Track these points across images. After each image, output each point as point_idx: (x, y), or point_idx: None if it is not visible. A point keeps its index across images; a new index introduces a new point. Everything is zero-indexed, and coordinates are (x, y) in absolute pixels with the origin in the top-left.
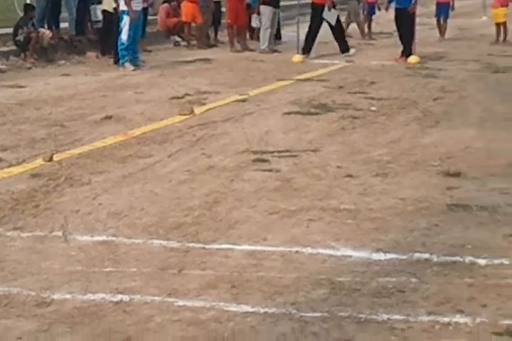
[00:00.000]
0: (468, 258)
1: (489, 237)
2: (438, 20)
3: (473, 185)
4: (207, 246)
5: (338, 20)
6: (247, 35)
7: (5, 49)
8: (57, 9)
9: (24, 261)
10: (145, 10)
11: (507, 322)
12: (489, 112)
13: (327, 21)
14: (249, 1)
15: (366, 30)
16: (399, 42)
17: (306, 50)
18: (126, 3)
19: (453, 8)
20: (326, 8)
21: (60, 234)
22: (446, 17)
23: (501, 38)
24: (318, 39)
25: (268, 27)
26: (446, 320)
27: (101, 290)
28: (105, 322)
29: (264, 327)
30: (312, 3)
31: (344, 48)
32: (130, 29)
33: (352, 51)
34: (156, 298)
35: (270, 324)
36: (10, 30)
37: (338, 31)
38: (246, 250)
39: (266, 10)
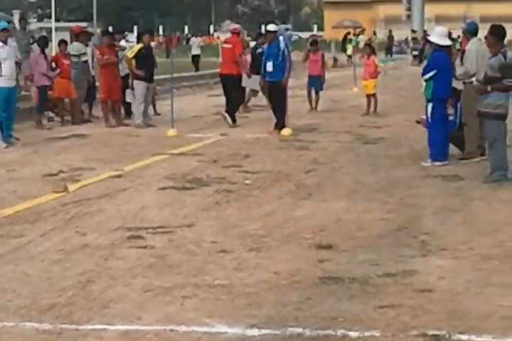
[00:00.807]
0: (340, 331)
1: (360, 309)
2: (309, 93)
3: (344, 257)
4: (80, 327)
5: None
6: (122, 110)
7: None
8: None
9: None
10: (45, 87)
11: None
12: (360, 183)
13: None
14: (123, 74)
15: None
16: (272, 115)
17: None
18: None
19: (324, 80)
20: (244, 77)
21: None
22: (320, 89)
23: (372, 109)
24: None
25: (142, 102)
26: None
27: None
28: None
29: None
30: (223, 74)
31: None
32: None
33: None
34: None
35: None
36: None
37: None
38: (120, 330)
39: (139, 85)
